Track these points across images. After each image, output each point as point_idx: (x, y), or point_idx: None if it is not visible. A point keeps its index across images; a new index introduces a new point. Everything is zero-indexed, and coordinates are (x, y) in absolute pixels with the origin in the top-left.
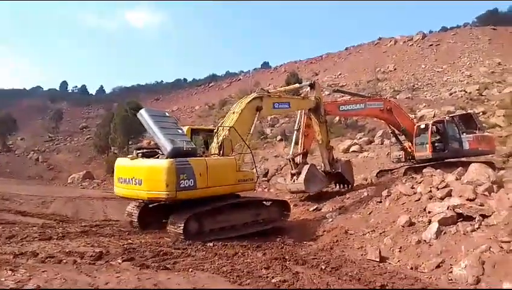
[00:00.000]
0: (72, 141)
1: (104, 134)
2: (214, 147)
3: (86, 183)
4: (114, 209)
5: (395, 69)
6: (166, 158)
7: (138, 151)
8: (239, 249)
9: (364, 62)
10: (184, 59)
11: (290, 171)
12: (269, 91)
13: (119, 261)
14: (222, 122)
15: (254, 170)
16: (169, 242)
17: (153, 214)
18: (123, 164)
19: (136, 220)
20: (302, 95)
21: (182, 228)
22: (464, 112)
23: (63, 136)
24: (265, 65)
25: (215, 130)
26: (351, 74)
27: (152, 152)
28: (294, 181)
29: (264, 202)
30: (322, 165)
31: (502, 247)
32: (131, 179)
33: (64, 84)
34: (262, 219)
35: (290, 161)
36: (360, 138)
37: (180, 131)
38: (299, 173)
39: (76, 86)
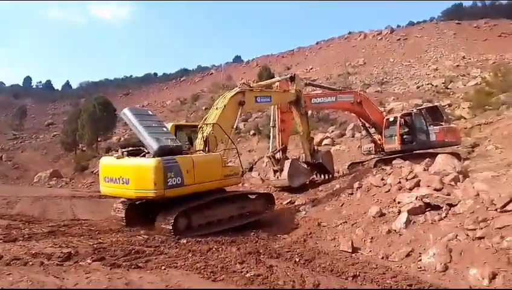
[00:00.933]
0: (38, 139)
1: (72, 131)
2: (198, 143)
3: (53, 182)
4: (83, 209)
5: (364, 63)
6: (153, 157)
7: (124, 150)
8: (213, 245)
9: (335, 56)
10: (154, 53)
11: (272, 168)
12: (251, 85)
13: (89, 261)
14: (205, 118)
15: (239, 165)
16: (142, 241)
17: (139, 211)
18: (109, 163)
19: (123, 218)
20: (276, 86)
21: (171, 224)
22: (431, 105)
23: (28, 134)
24: (238, 59)
25: (199, 126)
26: (322, 67)
27: (137, 150)
28: (277, 177)
29: (249, 195)
30: (303, 156)
31: (468, 235)
32: (119, 179)
33: (27, 79)
34: (248, 212)
35: (270, 158)
36: (332, 131)
37: (164, 129)
38: (281, 169)
39: (40, 82)
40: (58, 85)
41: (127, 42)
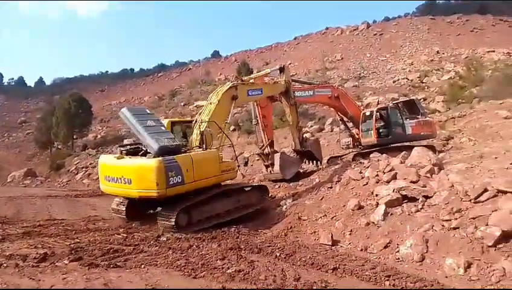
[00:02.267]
0: (11, 137)
1: (46, 128)
2: (194, 138)
3: (27, 181)
4: (59, 208)
5: (342, 58)
6: (154, 157)
7: (122, 149)
8: (194, 242)
9: (312, 51)
10: (131, 49)
11: (263, 164)
12: (243, 79)
13: (66, 261)
14: (200, 113)
15: (235, 160)
16: (121, 239)
17: (139, 207)
18: (110, 163)
19: (124, 214)
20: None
21: (173, 221)
22: (408, 98)
23: (0, 132)
24: (216, 54)
25: (193, 122)
26: (300, 63)
27: (135, 148)
28: (270, 172)
29: (245, 188)
30: (293, 144)
31: (443, 225)
32: (120, 178)
33: None
34: (243, 205)
35: (260, 155)
36: (311, 126)
37: (163, 128)
38: (272, 164)
39: (12, 78)
40: (31, 81)
41: (103, 37)
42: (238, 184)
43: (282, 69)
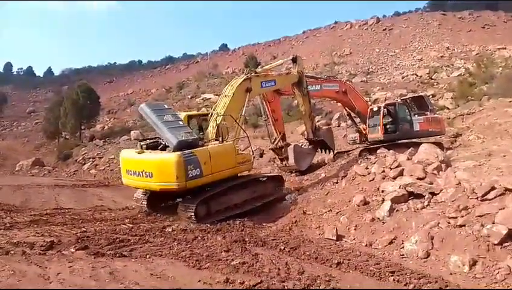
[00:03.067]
0: (19, 127)
1: (54, 118)
2: (210, 131)
3: (35, 170)
4: (66, 197)
5: (350, 53)
6: (173, 151)
7: (142, 143)
8: (199, 234)
9: (321, 46)
10: (139, 40)
11: (278, 157)
12: (256, 71)
13: (72, 250)
14: (215, 106)
15: (250, 152)
16: (127, 229)
17: (159, 199)
18: (131, 157)
19: (145, 205)
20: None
21: (193, 212)
22: (416, 95)
23: (9, 122)
24: (224, 47)
25: (209, 115)
26: (308, 57)
27: (154, 143)
28: (286, 165)
29: (260, 179)
30: (306, 133)
31: (449, 222)
32: (141, 172)
33: (8, 65)
34: (260, 195)
35: (274, 150)
36: (318, 121)
37: (181, 123)
38: (287, 157)
39: (21, 68)
40: (39, 72)
41: (111, 29)
42: (253, 175)
43: (294, 60)
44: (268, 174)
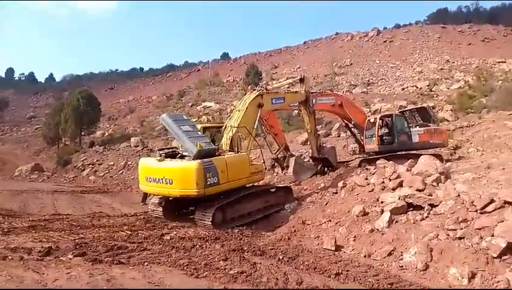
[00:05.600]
0: (19, 132)
1: (54, 124)
2: (224, 143)
3: (34, 175)
4: (65, 203)
5: (351, 64)
6: (193, 160)
7: (161, 152)
8: (197, 242)
9: (322, 56)
10: (140, 48)
11: (279, 166)
12: (267, 88)
13: (70, 256)
14: (228, 120)
15: (262, 162)
16: (125, 236)
17: (173, 206)
18: (151, 165)
19: (161, 213)
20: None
21: (210, 219)
22: (419, 106)
23: (9, 126)
24: (225, 56)
25: (223, 127)
26: (309, 67)
27: (172, 152)
28: (285, 174)
29: (271, 189)
30: (310, 151)
31: (448, 235)
32: (161, 179)
33: (9, 71)
34: (271, 204)
35: (275, 160)
36: (318, 131)
37: (199, 133)
38: (287, 166)
39: (23, 73)
40: (41, 77)
41: (113, 36)
42: (265, 185)
43: (302, 80)
44: (279, 185)
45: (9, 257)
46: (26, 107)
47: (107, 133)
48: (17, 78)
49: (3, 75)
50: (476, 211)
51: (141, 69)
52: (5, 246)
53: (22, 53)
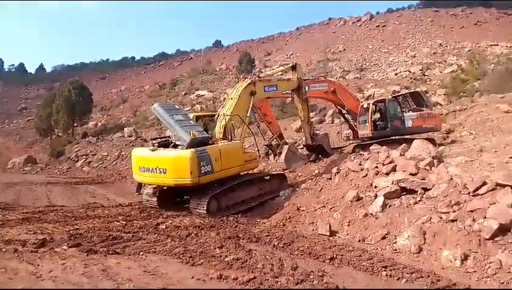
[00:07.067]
0: (11, 124)
1: (46, 116)
2: (217, 131)
3: (28, 168)
4: (59, 195)
5: (344, 50)
6: (186, 148)
7: (154, 142)
8: (192, 230)
9: (315, 42)
10: (131, 37)
11: (272, 153)
12: (260, 76)
13: (65, 247)
14: (221, 108)
15: (256, 150)
16: (120, 226)
17: (167, 196)
18: (144, 155)
19: (156, 202)
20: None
21: (205, 208)
22: (413, 90)
23: (0, 119)
24: (218, 44)
25: (216, 116)
26: (302, 53)
27: (166, 141)
28: (276, 161)
29: (265, 177)
30: (304, 139)
31: (441, 217)
32: (155, 169)
33: None
34: (266, 191)
35: (268, 147)
36: (312, 118)
37: (192, 122)
38: (280, 153)
39: (13, 65)
40: (31, 68)
41: (104, 25)
42: (259, 173)
43: (294, 67)
44: (274, 173)
45: (4, 250)
46: (18, 99)
47: (100, 124)
48: (6, 70)
49: None
50: (469, 193)
51: (133, 58)
52: None
53: (10, 44)
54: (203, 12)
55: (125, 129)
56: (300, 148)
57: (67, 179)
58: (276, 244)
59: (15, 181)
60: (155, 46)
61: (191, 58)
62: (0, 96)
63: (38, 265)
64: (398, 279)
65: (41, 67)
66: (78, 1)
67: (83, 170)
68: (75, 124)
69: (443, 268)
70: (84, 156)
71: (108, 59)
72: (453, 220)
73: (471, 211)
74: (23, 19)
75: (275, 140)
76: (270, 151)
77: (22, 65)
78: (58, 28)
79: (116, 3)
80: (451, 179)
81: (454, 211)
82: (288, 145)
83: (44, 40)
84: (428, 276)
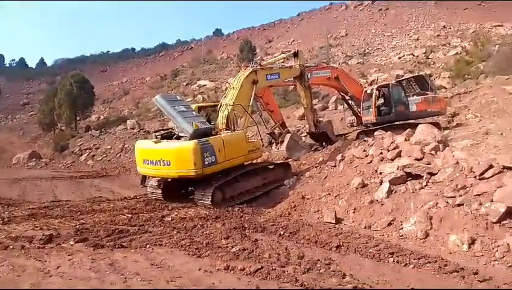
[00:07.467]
0: (14, 119)
1: (49, 110)
2: (220, 122)
3: (32, 163)
4: (64, 189)
5: (346, 35)
6: (189, 140)
7: (157, 134)
8: (198, 221)
9: (316, 28)
10: (131, 28)
11: (274, 141)
12: (261, 64)
13: (71, 242)
14: (223, 98)
15: (259, 140)
16: (126, 220)
17: (172, 188)
18: (148, 147)
19: (160, 195)
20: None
21: (210, 199)
22: (416, 74)
23: (4, 114)
24: (218, 32)
25: (218, 106)
26: (304, 40)
27: (168, 133)
28: (278, 149)
29: (269, 166)
30: (307, 126)
31: (447, 202)
32: (159, 161)
33: (0, 58)
34: (270, 181)
35: (270, 135)
36: (315, 105)
37: (194, 113)
38: (282, 142)
39: (14, 60)
40: (32, 63)
41: (102, 17)
42: (263, 162)
43: (296, 54)
44: (277, 162)
45: (11, 247)
46: (20, 94)
47: (102, 117)
48: (8, 65)
49: None
50: (475, 177)
51: (133, 49)
52: (6, 236)
53: (10, 39)
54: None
55: (128, 121)
56: (304, 136)
57: (71, 173)
58: (282, 233)
59: (20, 177)
60: (155, 37)
61: (192, 48)
62: (3, 92)
63: (45, 261)
64: (405, 265)
65: (42, 62)
66: None
67: (87, 164)
68: (77, 118)
69: (450, 253)
70: (87, 150)
71: (108, 51)
72: (459, 205)
73: (478, 194)
74: (23, 13)
75: (277, 128)
76: (272, 140)
77: (22, 60)
78: (58, 21)
79: None
80: (457, 163)
81: (461, 195)
82: (290, 134)
83: (44, 34)
84: (436, 261)
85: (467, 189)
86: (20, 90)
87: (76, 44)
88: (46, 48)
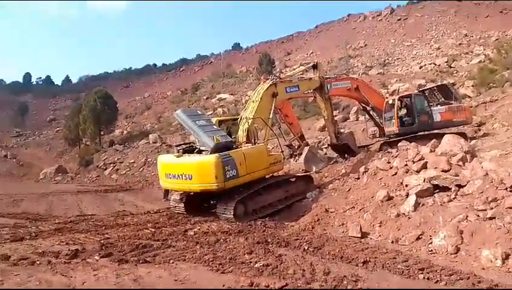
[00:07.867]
0: (41, 135)
1: (74, 126)
2: (240, 135)
3: (59, 177)
4: (89, 204)
5: (365, 45)
6: (210, 154)
7: (179, 148)
8: (221, 236)
9: (335, 39)
10: (152, 44)
11: (292, 154)
12: (280, 77)
13: (97, 257)
14: (243, 111)
15: (280, 152)
16: (149, 234)
17: (195, 202)
18: (170, 161)
19: (183, 208)
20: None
21: (232, 212)
22: (439, 84)
23: (31, 130)
24: (237, 46)
25: (238, 119)
26: (322, 51)
27: (190, 147)
28: (296, 161)
29: (290, 179)
30: (328, 138)
31: (478, 215)
32: (181, 175)
33: (27, 75)
34: (292, 194)
35: (289, 147)
36: (335, 116)
37: (215, 127)
38: (300, 154)
39: (40, 77)
40: (58, 80)
41: (124, 34)
42: (285, 175)
43: (315, 66)
44: (299, 174)
45: (38, 262)
46: (46, 111)
47: (125, 132)
48: (34, 83)
49: (21, 80)
50: (506, 189)
51: (154, 65)
52: (33, 251)
53: (37, 57)
54: (221, 15)
55: (150, 136)
56: (325, 148)
57: (96, 187)
58: (306, 248)
59: (47, 191)
60: (176, 52)
61: (211, 62)
62: (30, 109)
63: (71, 277)
64: (436, 282)
65: (67, 79)
66: (99, 10)
67: (111, 178)
68: (101, 133)
69: (483, 269)
70: (112, 164)
71: (131, 67)
72: (491, 218)
73: (510, 207)
74: (46, 30)
75: (296, 140)
76: (292, 152)
77: (48, 77)
78: (82, 39)
79: (135, 12)
80: (487, 174)
81: (492, 208)
82: (308, 147)
83: (69, 52)
84: (469, 277)
85: (498, 201)
86: (46, 106)
87: (99, 61)
88: (71, 65)
